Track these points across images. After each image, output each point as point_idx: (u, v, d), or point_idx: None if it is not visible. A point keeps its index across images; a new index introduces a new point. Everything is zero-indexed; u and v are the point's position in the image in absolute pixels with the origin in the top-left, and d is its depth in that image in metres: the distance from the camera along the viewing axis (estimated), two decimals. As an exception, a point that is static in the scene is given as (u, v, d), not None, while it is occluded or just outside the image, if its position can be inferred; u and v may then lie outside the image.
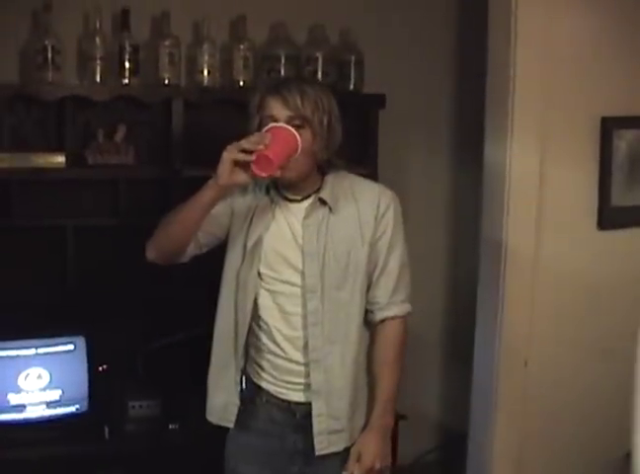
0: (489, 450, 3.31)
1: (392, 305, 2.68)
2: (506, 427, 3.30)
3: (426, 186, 4.22)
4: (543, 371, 3.31)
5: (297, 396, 2.67)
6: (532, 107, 3.20)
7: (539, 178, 3.24)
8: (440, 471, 4.20)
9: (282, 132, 2.45)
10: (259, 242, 2.64)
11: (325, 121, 2.53)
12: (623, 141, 3.42)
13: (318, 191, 2.64)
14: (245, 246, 2.66)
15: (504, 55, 3.22)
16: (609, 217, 3.43)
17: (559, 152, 3.26)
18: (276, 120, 2.49)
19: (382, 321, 2.68)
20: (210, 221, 2.64)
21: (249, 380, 2.74)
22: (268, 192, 2.66)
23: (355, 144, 3.98)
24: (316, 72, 3.80)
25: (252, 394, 2.73)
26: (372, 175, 3.92)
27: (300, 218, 2.62)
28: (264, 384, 2.71)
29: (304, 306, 2.61)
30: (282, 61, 3.76)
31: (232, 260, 2.72)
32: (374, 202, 2.65)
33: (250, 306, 2.67)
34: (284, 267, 2.63)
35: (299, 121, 2.50)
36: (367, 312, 2.69)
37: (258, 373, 2.72)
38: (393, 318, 2.68)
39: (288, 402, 2.68)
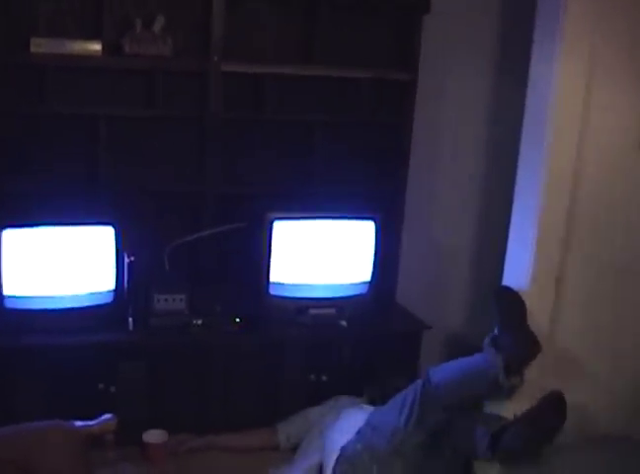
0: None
1: None
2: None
3: (465, 95, 4.12)
4: (574, 291, 3.28)
5: None
6: (582, 25, 3.10)
7: (584, 96, 3.15)
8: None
9: None
10: None
11: None
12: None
13: None
14: None
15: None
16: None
17: (606, 70, 3.16)
18: None
19: None
20: None
21: None
22: None
23: (397, 49, 3.90)
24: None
25: None
26: (412, 81, 3.85)
27: None
28: None
29: None
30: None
31: None
32: None
33: None
34: None
35: None
36: None
37: None
38: None
39: None
